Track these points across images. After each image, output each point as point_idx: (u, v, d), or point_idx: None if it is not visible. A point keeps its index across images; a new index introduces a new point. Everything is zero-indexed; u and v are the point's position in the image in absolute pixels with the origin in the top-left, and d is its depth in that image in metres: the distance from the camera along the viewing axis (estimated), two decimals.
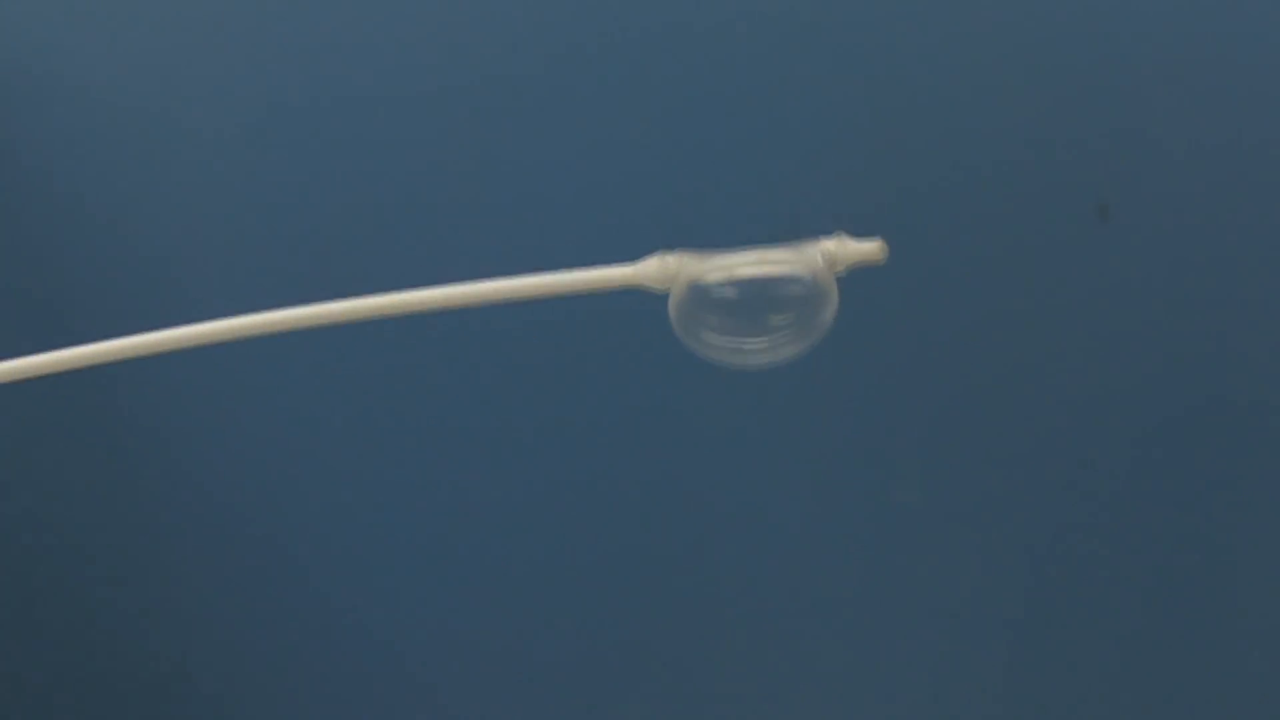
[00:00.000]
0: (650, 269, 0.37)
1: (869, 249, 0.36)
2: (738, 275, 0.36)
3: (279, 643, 0.82)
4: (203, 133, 0.76)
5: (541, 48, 0.72)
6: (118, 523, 0.83)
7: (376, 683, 0.81)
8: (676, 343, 0.73)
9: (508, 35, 0.72)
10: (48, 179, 0.78)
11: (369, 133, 0.74)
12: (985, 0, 0.67)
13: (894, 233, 0.67)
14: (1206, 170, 0.67)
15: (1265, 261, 0.69)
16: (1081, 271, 0.68)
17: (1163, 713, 0.73)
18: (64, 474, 0.83)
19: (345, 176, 0.74)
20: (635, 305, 0.70)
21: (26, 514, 0.83)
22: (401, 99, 0.73)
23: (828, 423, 0.73)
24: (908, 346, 0.71)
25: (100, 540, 0.83)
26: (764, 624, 0.76)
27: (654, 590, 0.77)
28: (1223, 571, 0.71)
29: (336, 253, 0.74)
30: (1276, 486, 0.70)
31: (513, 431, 0.77)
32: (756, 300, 0.36)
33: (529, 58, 0.72)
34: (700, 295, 0.36)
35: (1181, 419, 0.70)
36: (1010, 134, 0.68)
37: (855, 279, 0.66)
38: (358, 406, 0.78)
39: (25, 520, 0.83)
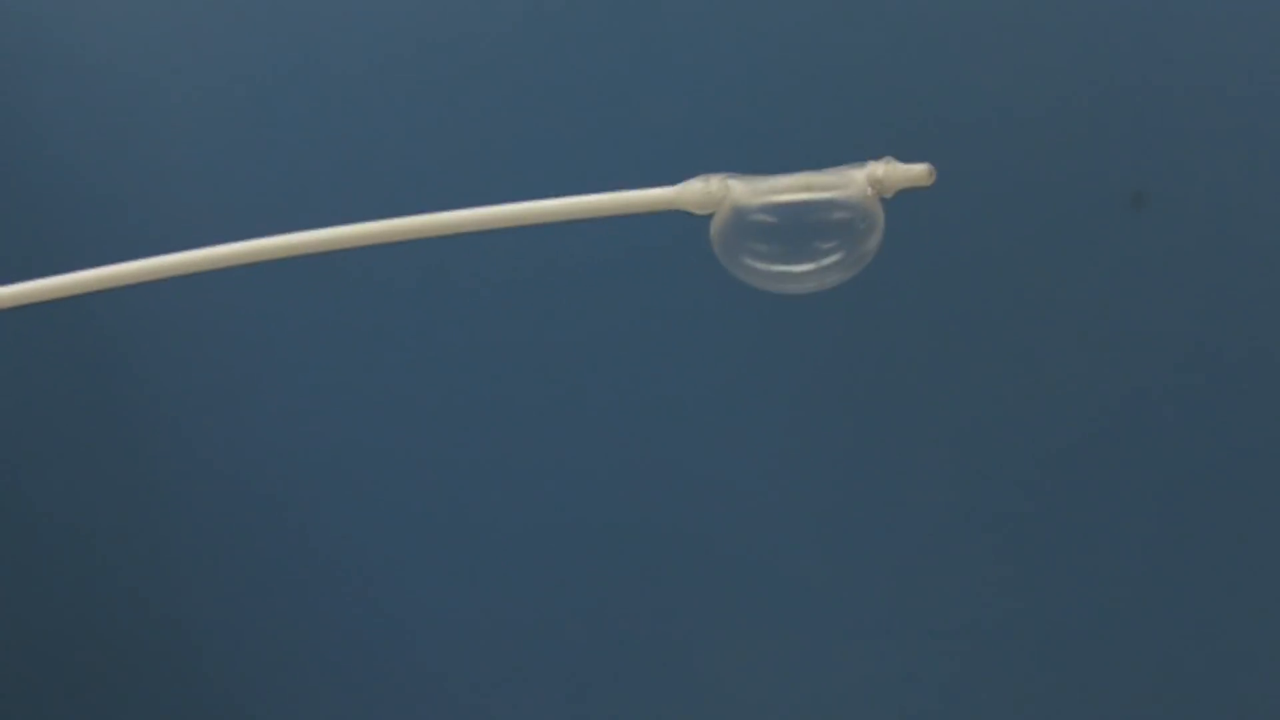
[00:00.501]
0: (693, 191, 0.36)
1: (917, 172, 0.35)
2: (783, 200, 0.35)
3: (282, 628, 0.81)
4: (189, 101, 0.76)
5: None
6: (126, 509, 0.82)
7: (382, 672, 0.80)
8: (677, 339, 0.73)
9: None
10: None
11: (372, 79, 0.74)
12: None
13: (924, 223, 0.68)
14: (1246, 159, 0.66)
15: None
16: (1116, 263, 0.68)
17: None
18: (66, 457, 0.82)
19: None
20: (638, 296, 0.69)
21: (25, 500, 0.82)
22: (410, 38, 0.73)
23: (848, 410, 0.73)
24: (934, 337, 0.70)
25: (106, 525, 0.83)
26: (772, 618, 0.75)
27: (653, 579, 0.76)
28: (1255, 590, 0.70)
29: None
30: None
31: (515, 417, 0.76)
32: (801, 225, 0.35)
33: None
34: (743, 220, 0.36)
35: (1219, 417, 0.69)
36: (1042, 121, 0.67)
37: (887, 264, 0.66)
38: (365, 392, 0.78)
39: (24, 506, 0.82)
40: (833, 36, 0.69)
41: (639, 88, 0.71)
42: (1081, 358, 0.69)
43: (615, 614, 0.77)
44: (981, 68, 0.67)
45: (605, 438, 0.75)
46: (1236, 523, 0.69)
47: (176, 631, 0.83)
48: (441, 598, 0.79)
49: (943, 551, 0.72)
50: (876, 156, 0.36)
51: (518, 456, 0.76)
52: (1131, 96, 0.66)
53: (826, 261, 0.35)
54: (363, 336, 0.78)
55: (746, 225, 0.36)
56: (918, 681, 0.74)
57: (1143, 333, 0.68)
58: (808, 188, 0.35)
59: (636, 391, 0.75)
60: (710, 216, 0.36)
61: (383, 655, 0.80)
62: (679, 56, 0.70)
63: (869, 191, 0.35)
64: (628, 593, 0.77)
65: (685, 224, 0.36)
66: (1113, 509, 0.70)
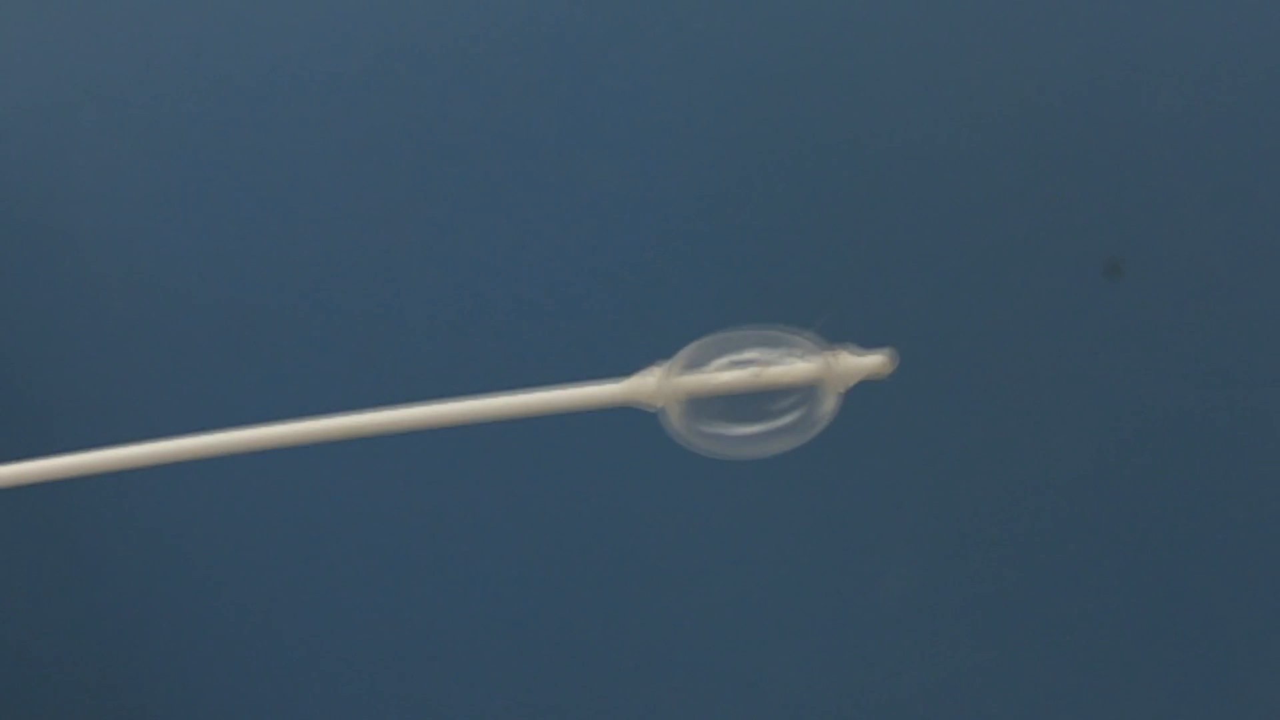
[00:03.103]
0: (643, 388, 0.35)
1: (872, 364, 0.34)
2: (733, 387, 0.35)
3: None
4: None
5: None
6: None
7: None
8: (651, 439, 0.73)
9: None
10: None
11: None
12: (985, 48, 0.66)
13: (896, 291, 0.67)
14: (1222, 225, 0.66)
15: None
16: (1091, 333, 0.67)
17: None
18: None
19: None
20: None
21: None
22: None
23: (821, 494, 0.72)
24: (906, 413, 0.69)
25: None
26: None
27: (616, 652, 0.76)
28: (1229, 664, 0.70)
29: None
30: None
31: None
32: (753, 403, 0.35)
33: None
34: (696, 408, 0.35)
35: (1199, 489, 0.68)
36: (1013, 189, 0.66)
37: (856, 334, 0.65)
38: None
39: None
40: (802, 102, 0.68)
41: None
42: (1057, 427, 0.68)
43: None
44: (954, 133, 0.66)
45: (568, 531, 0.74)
46: (1217, 601, 0.69)
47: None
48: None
49: (911, 626, 0.72)
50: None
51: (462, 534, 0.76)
52: (1106, 164, 0.65)
53: (782, 421, 0.35)
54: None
55: (700, 413, 0.35)
56: None
57: (1119, 402, 0.67)
58: (759, 379, 0.35)
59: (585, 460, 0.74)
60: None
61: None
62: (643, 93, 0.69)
63: (826, 384, 0.34)
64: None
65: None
66: (1087, 587, 0.70)
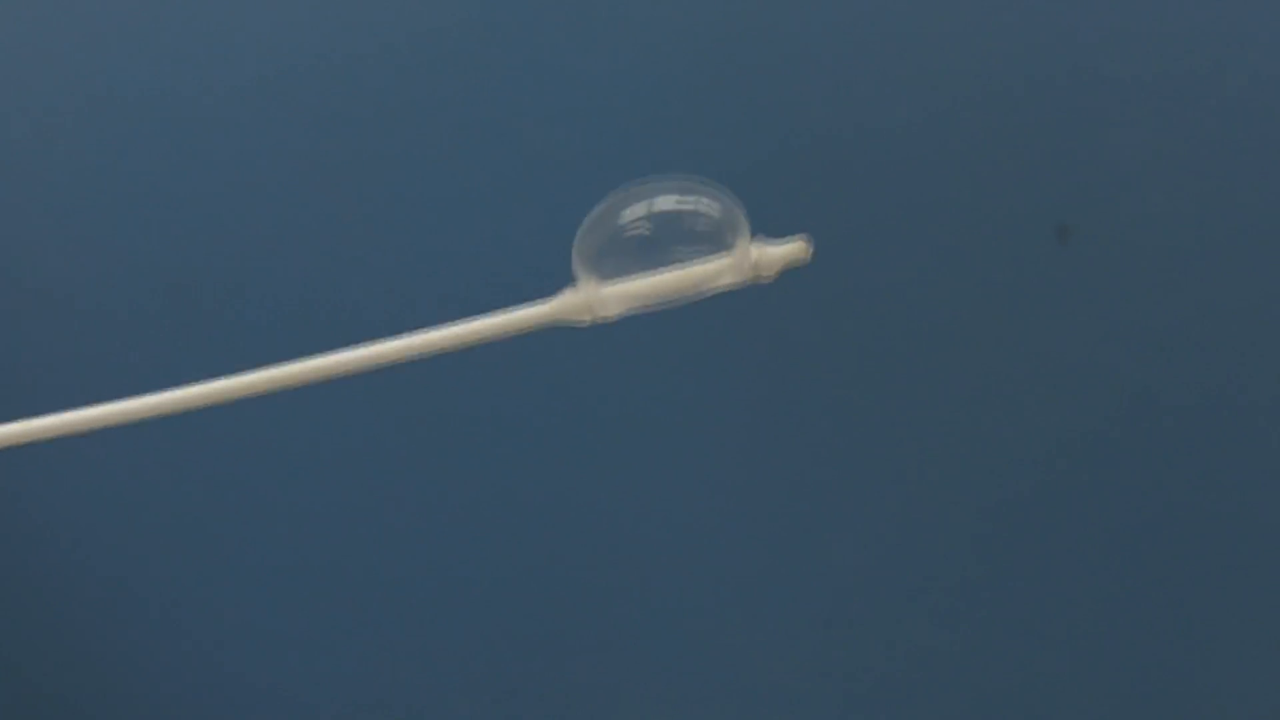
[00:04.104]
0: (569, 305, 0.35)
1: (793, 250, 0.34)
2: (660, 291, 0.34)
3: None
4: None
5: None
6: None
7: None
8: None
9: None
10: None
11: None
12: (935, 17, 0.66)
13: (844, 258, 0.66)
14: (1172, 189, 0.66)
15: (1238, 284, 0.67)
16: (1041, 298, 0.66)
17: None
18: None
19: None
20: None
21: None
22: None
23: (778, 463, 0.71)
24: (861, 378, 0.69)
25: None
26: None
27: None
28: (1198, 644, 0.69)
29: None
30: (1249, 522, 0.68)
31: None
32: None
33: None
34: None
35: (1151, 455, 0.68)
36: (964, 152, 0.66)
37: (812, 304, 0.64)
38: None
39: None
40: (758, 69, 0.68)
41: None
42: (1008, 397, 0.68)
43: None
44: (904, 101, 0.66)
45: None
46: (1181, 576, 0.68)
47: None
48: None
49: (875, 607, 0.71)
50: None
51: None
52: (1054, 125, 0.65)
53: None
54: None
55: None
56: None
57: (1071, 371, 0.67)
58: (681, 283, 0.34)
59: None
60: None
61: None
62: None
63: (748, 274, 0.34)
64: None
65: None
66: (1048, 561, 0.69)
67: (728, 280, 0.34)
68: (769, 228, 0.34)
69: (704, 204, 0.34)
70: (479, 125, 0.69)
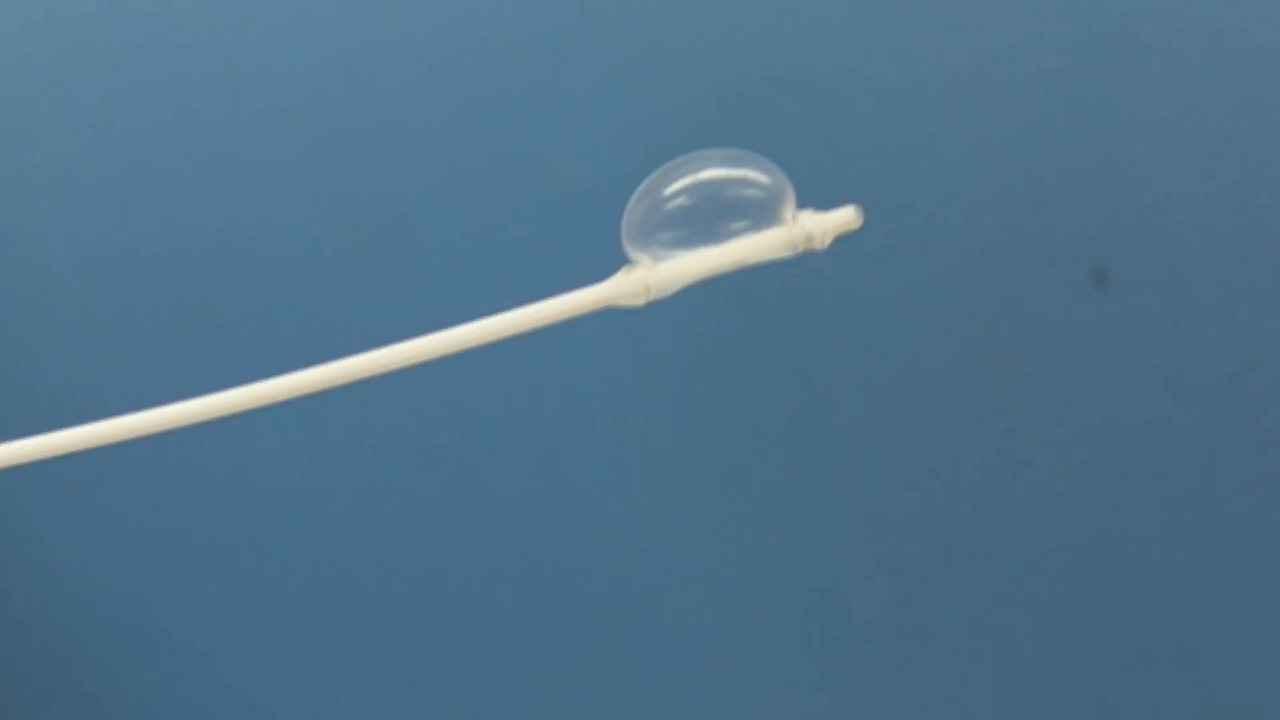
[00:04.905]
0: (627, 284, 0.35)
1: (845, 217, 0.34)
2: (714, 269, 0.34)
3: None
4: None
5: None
6: None
7: None
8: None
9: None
10: None
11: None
12: (973, 57, 0.66)
13: (880, 301, 0.66)
14: (1211, 234, 0.66)
15: (1275, 328, 0.66)
16: (1078, 343, 0.66)
17: None
18: None
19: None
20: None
21: None
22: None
23: (794, 509, 0.70)
24: (894, 422, 0.68)
25: None
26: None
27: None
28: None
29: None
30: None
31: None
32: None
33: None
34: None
35: (1186, 502, 0.67)
36: (1001, 196, 0.66)
37: (842, 338, 0.63)
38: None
39: None
40: (796, 101, 0.68)
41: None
42: (1043, 444, 0.67)
43: None
44: (942, 141, 0.67)
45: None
46: (1206, 621, 0.67)
47: None
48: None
49: (885, 645, 0.70)
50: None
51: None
52: (1093, 169, 0.66)
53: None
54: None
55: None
56: None
57: (1108, 417, 0.67)
58: (735, 258, 0.34)
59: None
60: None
61: None
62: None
63: (801, 245, 0.34)
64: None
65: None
66: (1077, 606, 0.68)
67: (782, 251, 0.34)
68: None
69: (753, 174, 0.34)
70: (498, 130, 0.70)
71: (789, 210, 0.34)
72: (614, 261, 0.35)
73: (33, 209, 0.74)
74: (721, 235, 0.34)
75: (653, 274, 0.34)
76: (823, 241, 0.34)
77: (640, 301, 0.35)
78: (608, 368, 0.70)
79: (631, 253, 0.34)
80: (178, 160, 0.73)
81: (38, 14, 0.73)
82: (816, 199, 0.67)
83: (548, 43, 0.69)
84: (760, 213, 0.34)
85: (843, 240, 0.33)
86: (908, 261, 0.67)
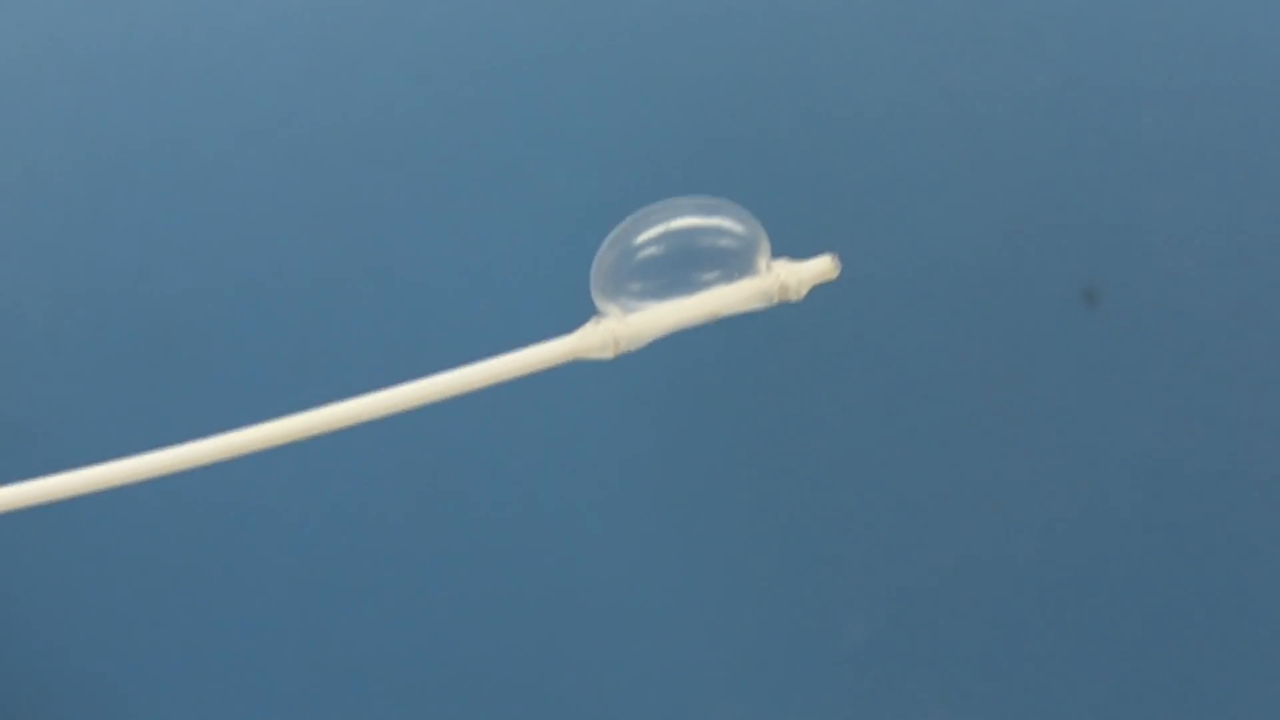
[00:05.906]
0: (593, 337, 0.33)
1: (822, 267, 0.33)
2: (687, 321, 0.33)
3: None
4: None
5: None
6: None
7: None
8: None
9: None
10: None
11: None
12: (964, 73, 0.66)
13: (868, 321, 0.65)
14: (1201, 252, 0.65)
15: (1267, 348, 0.66)
16: (1068, 363, 0.65)
17: None
18: None
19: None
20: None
21: None
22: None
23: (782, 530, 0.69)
24: (882, 444, 0.67)
25: None
26: None
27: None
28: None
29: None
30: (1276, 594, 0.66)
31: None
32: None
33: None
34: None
35: (1179, 526, 0.66)
36: (990, 215, 0.65)
37: (829, 360, 0.63)
38: None
39: None
40: (784, 123, 0.67)
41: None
42: (1032, 466, 0.66)
43: None
44: (930, 160, 0.66)
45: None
46: (1201, 649, 0.66)
47: None
48: None
49: (873, 675, 0.69)
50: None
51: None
52: (1082, 188, 0.65)
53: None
54: None
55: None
56: None
57: (1099, 437, 0.66)
58: (706, 309, 0.33)
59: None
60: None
61: None
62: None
63: (775, 298, 0.33)
64: None
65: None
66: (1070, 627, 0.67)
67: (756, 302, 0.33)
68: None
69: (726, 223, 0.32)
70: (481, 165, 0.69)
71: (763, 260, 0.33)
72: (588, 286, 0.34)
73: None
74: (694, 286, 0.33)
75: (622, 325, 0.33)
76: (798, 292, 0.32)
77: (609, 354, 0.33)
78: (589, 387, 0.69)
79: (600, 303, 0.33)
80: (149, 176, 0.72)
81: (2, 28, 0.71)
82: (805, 202, 0.66)
83: (532, 64, 0.67)
84: (734, 263, 0.32)
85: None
86: (896, 281, 0.66)
